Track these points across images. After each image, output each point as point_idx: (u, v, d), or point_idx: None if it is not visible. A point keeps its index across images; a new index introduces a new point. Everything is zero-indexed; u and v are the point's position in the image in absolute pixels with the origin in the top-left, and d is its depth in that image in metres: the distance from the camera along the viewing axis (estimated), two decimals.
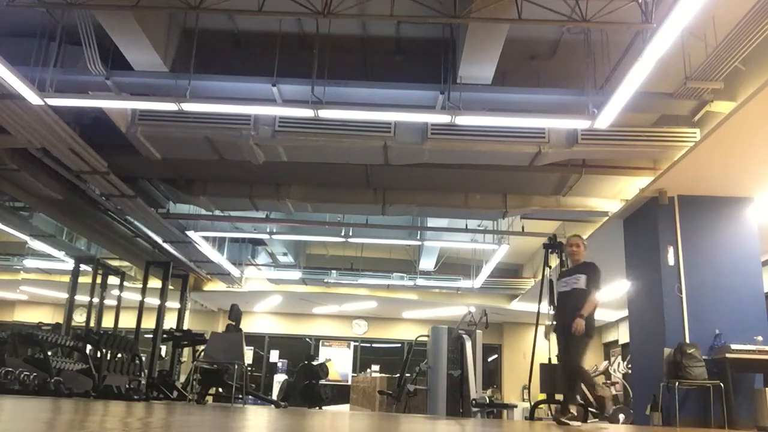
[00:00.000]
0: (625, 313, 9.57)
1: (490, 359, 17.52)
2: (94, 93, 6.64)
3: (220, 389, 9.31)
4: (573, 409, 5.35)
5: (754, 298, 7.29)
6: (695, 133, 6.92)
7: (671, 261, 7.46)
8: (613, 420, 10.65)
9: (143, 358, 9.55)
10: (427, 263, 12.99)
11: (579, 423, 5.43)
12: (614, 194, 9.01)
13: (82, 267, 9.83)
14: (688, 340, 7.05)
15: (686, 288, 7.35)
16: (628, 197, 8.53)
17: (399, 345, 18.45)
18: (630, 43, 6.28)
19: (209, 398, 9.31)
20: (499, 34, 5.77)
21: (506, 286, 14.25)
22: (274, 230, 11.72)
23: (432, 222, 10.94)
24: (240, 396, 8.77)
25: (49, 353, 7.34)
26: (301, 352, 17.19)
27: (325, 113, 6.34)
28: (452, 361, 8.65)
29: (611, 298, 12.66)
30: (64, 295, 10.56)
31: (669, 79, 6.27)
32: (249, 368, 14.21)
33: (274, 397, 12.91)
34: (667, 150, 7.21)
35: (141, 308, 10.14)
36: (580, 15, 5.23)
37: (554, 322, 5.83)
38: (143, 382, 8.96)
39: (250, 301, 16.56)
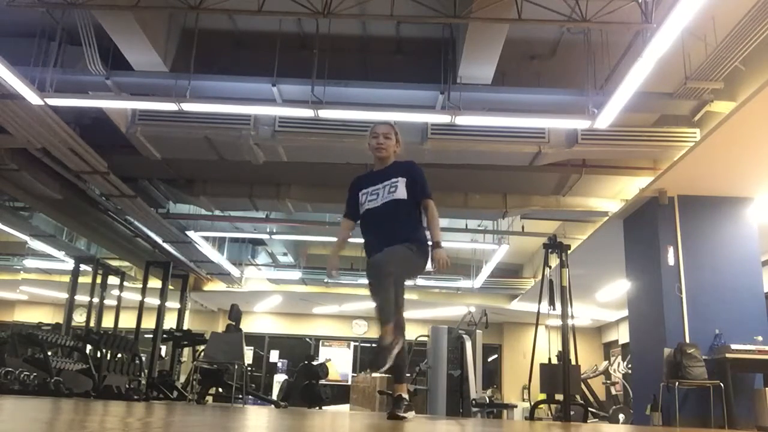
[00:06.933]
0: (625, 313, 9.57)
1: (490, 359, 17.51)
2: (94, 93, 6.64)
3: (220, 389, 9.31)
4: (405, 392, 3.81)
5: (754, 298, 7.29)
6: (695, 133, 6.92)
7: (671, 261, 7.46)
8: (613, 420, 10.65)
9: (143, 358, 9.54)
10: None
11: (413, 413, 3.86)
12: (614, 194, 9.01)
13: (82, 267, 9.82)
14: (688, 340, 7.05)
15: (686, 288, 7.35)
16: (628, 197, 8.53)
17: None
18: (630, 43, 6.28)
19: (209, 398, 9.31)
20: (499, 34, 5.78)
21: (506, 286, 14.24)
22: (274, 230, 11.71)
23: None
24: (240, 396, 8.77)
25: (49, 353, 7.33)
26: (301, 352, 17.18)
27: (325, 113, 6.34)
28: (452, 361, 8.65)
29: (611, 298, 12.68)
30: (64, 295, 10.55)
31: (669, 79, 6.27)
32: (249, 368, 14.18)
33: (274, 397, 12.90)
34: (667, 150, 7.22)
35: (141, 308, 10.13)
36: (580, 15, 5.23)
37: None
38: (143, 382, 8.96)
39: (250, 301, 16.55)
